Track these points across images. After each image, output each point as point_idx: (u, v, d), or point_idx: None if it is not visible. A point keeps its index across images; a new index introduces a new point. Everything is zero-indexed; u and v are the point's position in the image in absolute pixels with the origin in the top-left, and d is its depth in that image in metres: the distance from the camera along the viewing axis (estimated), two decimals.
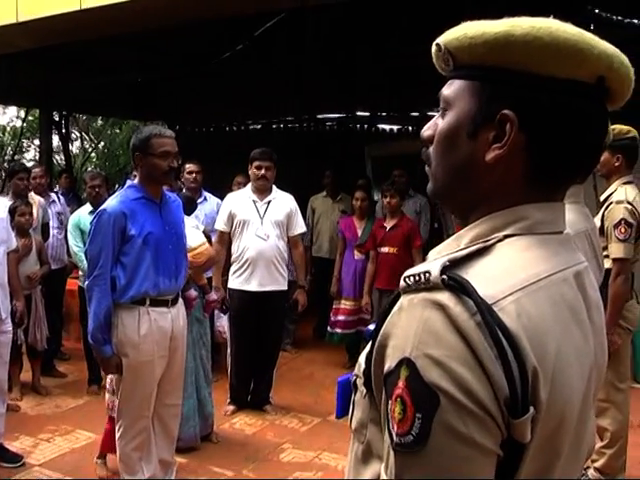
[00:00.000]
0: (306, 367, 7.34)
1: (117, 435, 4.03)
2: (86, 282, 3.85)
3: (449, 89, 1.13)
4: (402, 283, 0.99)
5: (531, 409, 0.91)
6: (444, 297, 0.93)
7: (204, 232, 5.24)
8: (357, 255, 7.10)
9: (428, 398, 0.90)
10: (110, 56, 10.07)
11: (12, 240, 4.93)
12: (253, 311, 5.64)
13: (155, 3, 6.09)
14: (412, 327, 0.94)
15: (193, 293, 4.79)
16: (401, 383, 0.93)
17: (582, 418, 1.06)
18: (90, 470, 4.69)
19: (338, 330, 7.10)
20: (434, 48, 1.14)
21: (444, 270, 0.95)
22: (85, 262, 4.52)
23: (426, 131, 1.17)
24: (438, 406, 0.89)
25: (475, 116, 1.07)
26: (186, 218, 4.97)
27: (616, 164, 4.07)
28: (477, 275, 0.96)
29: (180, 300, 4.15)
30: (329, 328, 7.22)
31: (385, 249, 6.66)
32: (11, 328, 4.78)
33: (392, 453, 0.96)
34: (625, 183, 4.12)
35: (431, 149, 1.16)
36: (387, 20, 8.08)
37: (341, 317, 7.09)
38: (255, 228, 5.67)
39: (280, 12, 7.68)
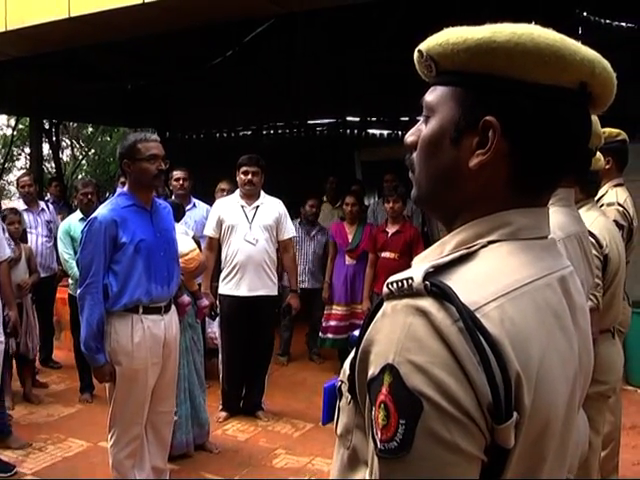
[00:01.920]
0: (298, 373, 7.34)
1: (110, 443, 4.01)
2: (78, 290, 3.83)
3: (432, 95, 1.13)
4: (385, 289, 0.99)
5: (514, 415, 0.92)
6: (427, 303, 0.93)
7: (194, 238, 5.25)
8: (348, 260, 7.10)
9: (411, 404, 0.90)
10: (100, 63, 10.09)
11: (4, 249, 4.89)
12: (244, 316, 5.62)
13: (143, 11, 6.09)
14: (395, 333, 0.94)
15: (186, 299, 4.79)
16: (384, 389, 0.93)
17: (567, 423, 1.07)
18: (83, 478, 4.67)
19: (330, 335, 7.11)
20: (416, 55, 1.14)
21: (427, 276, 0.95)
22: (75, 269, 4.51)
23: (409, 137, 1.17)
24: (421, 412, 0.90)
25: (458, 122, 1.07)
26: (175, 224, 4.98)
27: (606, 167, 4.08)
28: (460, 281, 0.96)
29: (173, 307, 4.14)
30: (321, 333, 7.23)
31: (386, 254, 6.65)
32: (3, 338, 4.73)
33: (376, 459, 0.96)
34: (616, 185, 4.13)
35: (415, 155, 1.16)
36: (376, 25, 8.11)
37: (333, 322, 7.10)
38: (244, 233, 5.67)
39: (270, 18, 7.69)
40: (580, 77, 1.04)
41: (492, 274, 1.00)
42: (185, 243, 4.92)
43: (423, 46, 1.12)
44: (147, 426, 4.11)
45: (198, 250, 5.09)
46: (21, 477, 4.68)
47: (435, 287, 0.94)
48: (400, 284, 0.96)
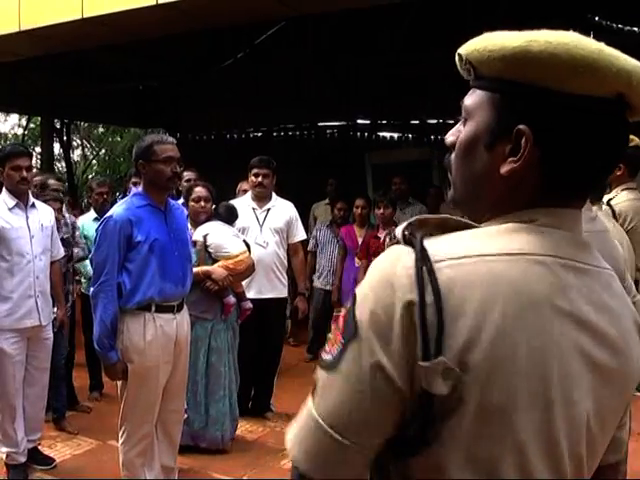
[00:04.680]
0: (307, 374, 7.25)
1: (120, 441, 4.03)
2: (92, 288, 3.86)
3: (470, 99, 1.15)
4: (387, 241, 1.11)
5: (441, 357, 0.95)
6: (399, 248, 1.03)
7: (244, 241, 5.31)
8: (358, 263, 7.10)
9: (350, 328, 1.02)
10: (111, 64, 10.13)
11: (58, 249, 4.96)
12: (253, 319, 5.60)
13: (156, 12, 6.11)
14: (371, 272, 1.05)
15: (232, 299, 4.97)
16: (344, 311, 1.05)
17: (550, 411, 1.02)
18: (92, 475, 4.70)
19: None
20: (457, 57, 1.16)
21: (407, 228, 1.05)
22: (89, 267, 4.56)
23: (449, 137, 1.19)
24: (355, 337, 1.00)
25: (493, 128, 1.09)
26: (227, 227, 5.10)
27: (618, 173, 4.09)
28: (437, 240, 1.04)
29: (185, 306, 4.16)
30: None
31: None
32: (51, 335, 4.79)
33: (318, 369, 1.07)
34: (625, 189, 4.14)
35: (452, 156, 1.18)
36: (388, 28, 8.13)
37: None
38: (254, 235, 5.69)
39: (281, 20, 7.72)
40: (616, 88, 1.03)
41: (473, 239, 1.05)
42: (236, 245, 5.08)
43: (463, 50, 1.13)
44: (157, 425, 4.13)
45: (248, 252, 5.18)
46: (30, 474, 4.70)
47: (408, 235, 1.04)
48: (391, 235, 1.08)
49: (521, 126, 1.05)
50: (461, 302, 0.97)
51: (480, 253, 1.01)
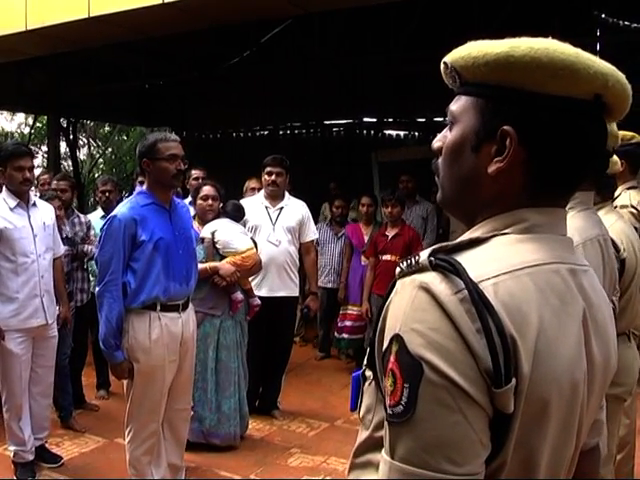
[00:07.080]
0: (314, 373, 7.35)
1: (127, 439, 4.04)
2: (97, 288, 3.86)
3: (456, 105, 1.20)
4: (397, 269, 1.08)
5: (513, 380, 0.97)
6: (430, 277, 1.02)
7: (251, 239, 5.33)
8: (364, 261, 7.10)
9: (413, 368, 0.99)
10: (117, 62, 10.15)
11: (59, 246, 4.95)
12: (264, 317, 5.59)
13: (163, 11, 6.12)
14: (402, 306, 1.03)
15: (239, 296, 5.00)
16: (392, 357, 1.02)
17: (572, 407, 1.10)
18: (99, 473, 4.72)
19: (345, 335, 7.12)
20: (442, 66, 1.21)
21: (432, 254, 1.04)
22: (96, 266, 4.56)
23: (436, 143, 1.24)
24: (422, 375, 0.98)
25: (478, 131, 1.14)
26: (234, 224, 5.14)
27: (620, 170, 4.08)
28: (465, 260, 1.04)
29: (190, 305, 4.17)
30: (336, 333, 7.25)
31: (387, 257, 6.66)
32: (57, 333, 4.79)
33: (387, 427, 1.04)
34: (629, 188, 4.13)
35: (440, 160, 1.23)
36: (393, 26, 8.12)
37: (348, 322, 7.12)
38: (267, 234, 5.69)
39: (287, 18, 7.72)
40: (594, 89, 1.09)
41: (496, 256, 1.07)
42: (243, 241, 5.12)
43: (448, 58, 1.18)
44: (164, 423, 4.14)
45: (255, 249, 5.21)
46: (38, 471, 4.71)
47: (442, 261, 1.02)
48: (409, 262, 1.06)
49: (505, 127, 1.10)
50: (520, 321, 1.01)
51: (509, 269, 1.04)
